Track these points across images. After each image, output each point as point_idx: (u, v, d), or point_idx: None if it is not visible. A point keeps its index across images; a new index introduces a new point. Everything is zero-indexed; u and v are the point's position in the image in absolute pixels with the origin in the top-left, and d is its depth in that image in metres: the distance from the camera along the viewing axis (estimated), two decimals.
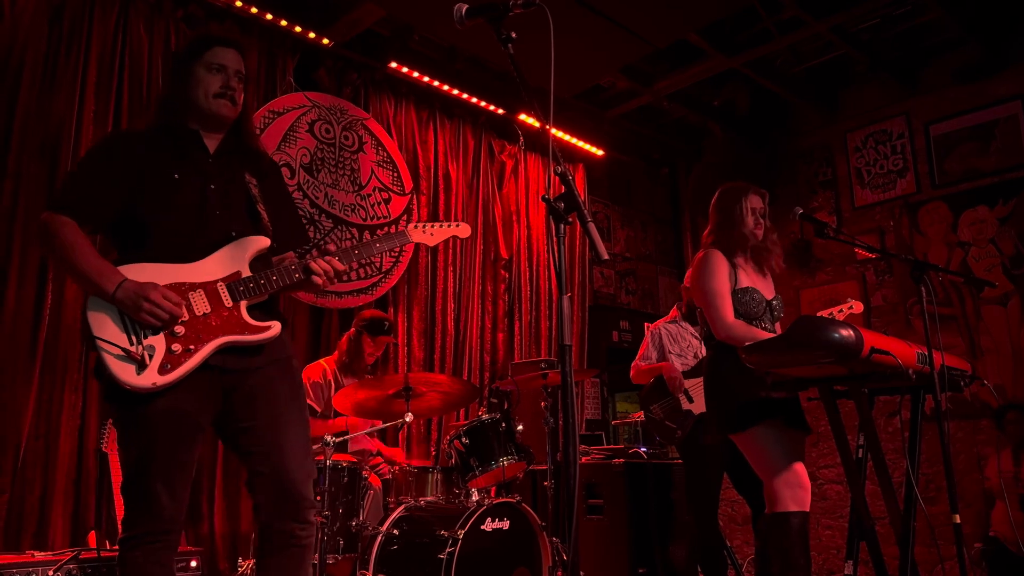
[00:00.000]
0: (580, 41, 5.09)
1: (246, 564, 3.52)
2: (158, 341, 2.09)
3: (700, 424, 4.16)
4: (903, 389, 3.06)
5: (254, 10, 4.75)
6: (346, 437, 3.70)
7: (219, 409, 2.21)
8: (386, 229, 5.36)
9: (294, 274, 2.26)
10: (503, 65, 5.63)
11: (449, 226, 2.63)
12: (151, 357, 2.06)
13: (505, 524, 3.54)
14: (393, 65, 5.35)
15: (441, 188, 5.78)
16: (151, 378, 2.07)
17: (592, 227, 1.74)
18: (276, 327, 2.24)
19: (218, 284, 2.19)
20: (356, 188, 5.25)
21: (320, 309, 5.04)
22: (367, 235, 5.25)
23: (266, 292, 2.24)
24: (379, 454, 4.47)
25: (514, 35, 1.95)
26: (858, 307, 4.37)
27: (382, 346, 4.44)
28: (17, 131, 3.96)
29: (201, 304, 2.16)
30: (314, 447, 3.94)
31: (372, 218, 5.30)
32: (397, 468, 4.07)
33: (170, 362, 2.09)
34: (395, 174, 5.49)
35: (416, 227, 2.57)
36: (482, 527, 3.44)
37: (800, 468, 3.08)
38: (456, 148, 5.95)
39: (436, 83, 5.61)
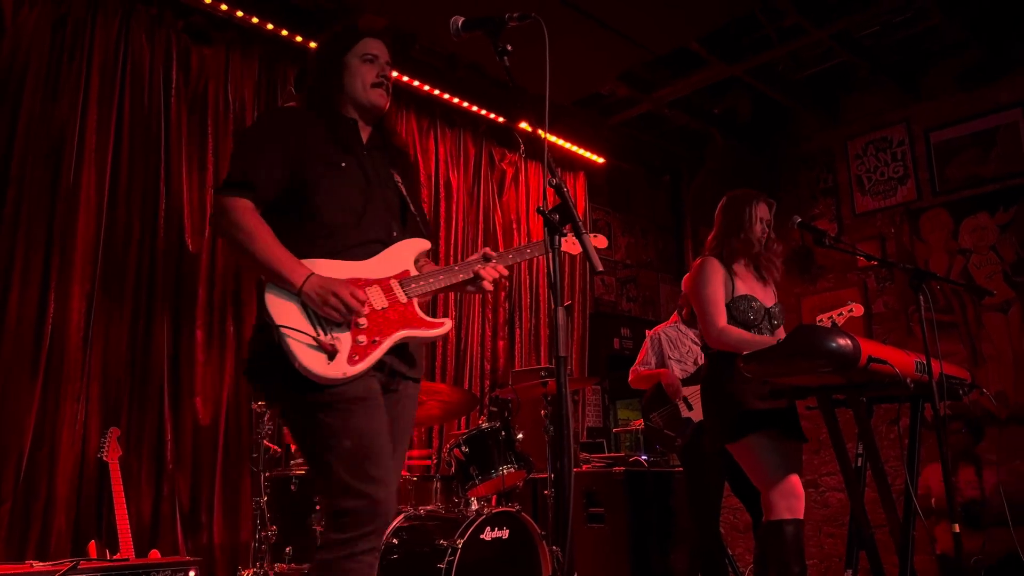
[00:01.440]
0: (580, 48, 5.11)
1: (245, 574, 3.53)
2: (343, 332, 2.10)
3: (700, 431, 4.16)
4: (902, 398, 3.06)
5: (255, 20, 4.77)
6: None
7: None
8: None
9: (458, 275, 2.30)
10: (503, 74, 5.63)
11: (595, 236, 2.67)
12: (338, 348, 2.07)
13: (504, 533, 3.54)
14: (394, 74, 5.35)
15: (442, 196, 5.80)
16: (341, 368, 2.06)
17: (587, 238, 1.75)
18: (449, 323, 2.29)
19: (391, 280, 2.23)
20: None
21: None
22: None
23: (435, 290, 2.29)
24: None
25: (510, 48, 1.95)
26: (858, 310, 4.37)
27: None
28: (20, 137, 3.98)
29: (379, 299, 2.18)
30: None
31: None
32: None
33: (357, 353, 2.10)
34: None
35: (565, 239, 2.61)
36: (481, 536, 3.44)
37: (795, 478, 3.08)
38: (457, 156, 5.96)
39: (437, 92, 5.62)
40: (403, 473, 4.32)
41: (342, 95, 2.33)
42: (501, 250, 2.41)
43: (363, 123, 2.38)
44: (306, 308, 2.08)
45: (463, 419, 5.22)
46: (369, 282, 2.19)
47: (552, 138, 6.34)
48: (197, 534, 4.32)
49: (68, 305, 4.03)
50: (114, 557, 3.46)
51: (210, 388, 4.47)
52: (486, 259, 2.33)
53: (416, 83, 5.50)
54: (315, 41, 4.98)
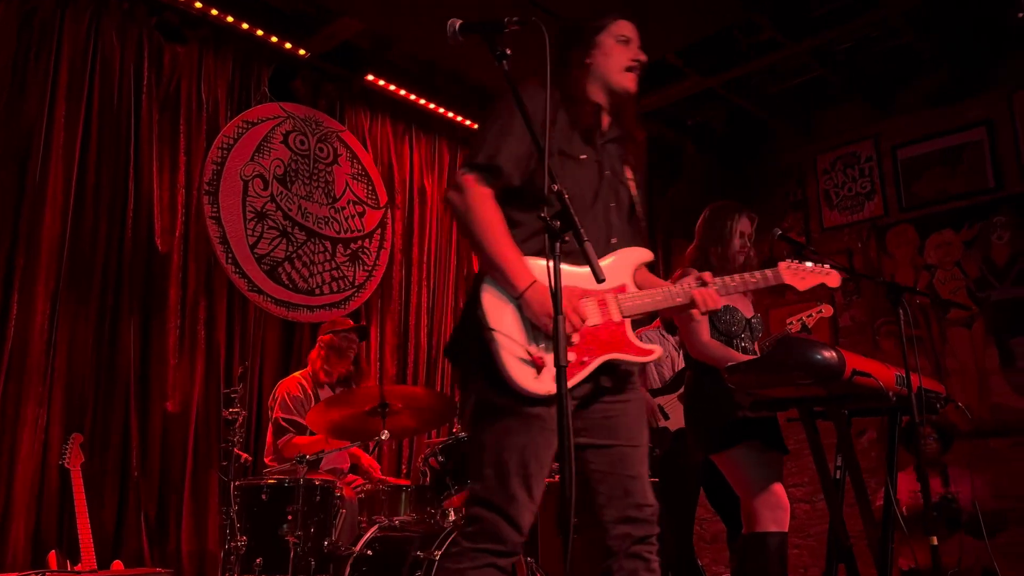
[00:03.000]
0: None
1: None
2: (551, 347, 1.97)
3: (676, 441, 4.16)
4: (881, 410, 3.09)
5: (230, 19, 4.69)
6: (325, 454, 3.63)
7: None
8: (360, 243, 5.30)
9: (675, 298, 2.16)
10: (481, 79, 5.62)
11: (821, 271, 2.48)
12: (546, 362, 1.96)
13: None
14: (370, 78, 5.32)
15: (416, 202, 5.75)
16: (547, 386, 1.96)
17: (589, 247, 1.71)
18: (659, 350, 2.15)
19: (607, 296, 2.11)
20: (330, 201, 5.20)
21: (291, 323, 4.96)
22: (340, 248, 5.19)
23: (649, 310, 2.16)
24: (353, 470, 4.39)
25: (509, 52, 1.91)
26: (827, 310, 4.36)
27: (351, 346, 4.35)
28: None
29: (593, 314, 2.06)
30: (288, 465, 3.90)
31: (346, 231, 5.24)
32: (369, 487, 4.00)
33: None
34: (370, 187, 5.44)
35: (788, 267, 2.41)
36: None
37: (779, 489, 3.09)
38: (432, 162, 5.92)
39: (413, 97, 5.58)
40: (375, 479, 4.26)
41: (591, 76, 2.21)
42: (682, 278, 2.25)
43: (607, 108, 2.26)
44: (521, 314, 1.98)
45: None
46: (587, 293, 2.07)
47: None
48: (163, 543, 4.21)
49: (32, 306, 3.92)
50: (75, 568, 3.35)
51: (180, 392, 4.37)
52: (701, 283, 2.19)
53: (392, 87, 5.45)
54: (291, 42, 4.92)
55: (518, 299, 1.97)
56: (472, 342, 2.00)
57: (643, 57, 2.24)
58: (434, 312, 5.72)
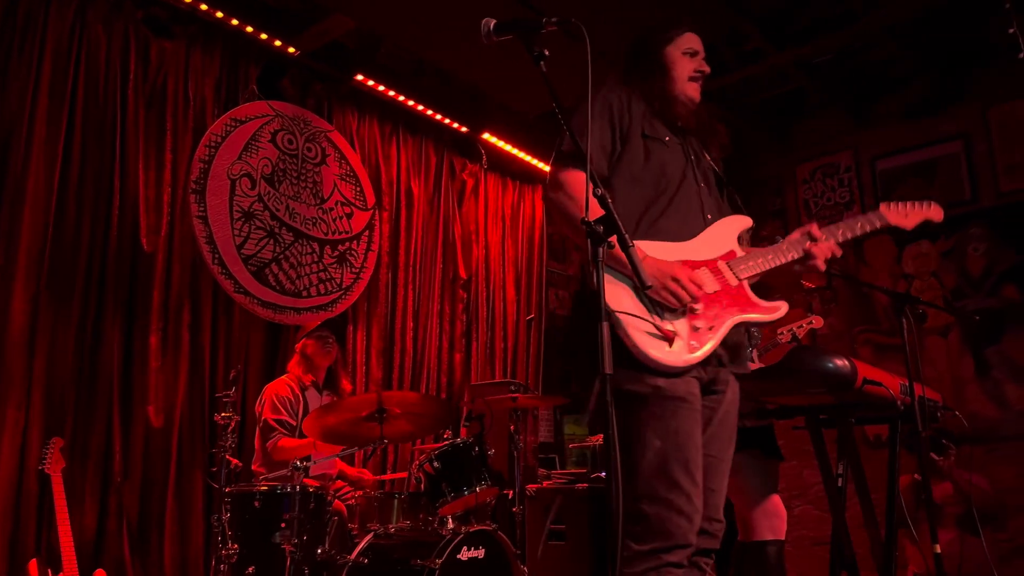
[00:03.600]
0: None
1: None
2: (678, 318, 2.00)
3: None
4: (885, 418, 3.11)
5: (219, 14, 4.59)
6: (317, 462, 3.56)
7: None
8: (348, 245, 5.22)
9: (788, 254, 2.19)
10: (471, 82, 5.58)
11: (924, 206, 2.51)
12: (677, 334, 1.95)
13: (480, 553, 3.44)
14: (359, 78, 5.24)
15: (403, 204, 5.68)
16: (682, 355, 1.96)
17: (634, 252, 1.69)
18: (785, 306, 2.15)
19: (718, 262, 2.12)
20: (318, 201, 5.11)
21: (277, 326, 4.87)
22: (328, 249, 5.11)
23: (765, 269, 2.16)
24: (341, 476, 4.32)
25: (547, 52, 1.88)
26: (818, 322, 4.40)
27: (328, 343, 4.30)
28: None
29: (710, 282, 2.07)
30: (283, 471, 3.81)
31: (333, 232, 5.16)
32: (360, 493, 3.93)
33: (695, 339, 1.99)
34: (358, 188, 5.37)
35: (890, 208, 2.45)
36: (458, 556, 3.33)
37: (776, 498, 3.11)
38: (418, 164, 5.86)
39: (401, 98, 5.52)
40: (367, 486, 4.19)
41: (661, 82, 2.29)
42: (821, 226, 2.28)
43: (677, 111, 2.31)
44: (639, 292, 1.99)
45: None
46: (696, 264, 2.09)
47: (515, 151, 6.30)
48: (145, 552, 4.09)
49: (10, 307, 3.78)
50: None
51: (163, 396, 4.26)
52: (812, 237, 2.22)
53: (381, 88, 5.38)
54: (280, 39, 4.84)
55: (630, 276, 1.96)
56: (591, 334, 1.93)
57: (707, 69, 2.33)
58: (419, 316, 5.66)
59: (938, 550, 2.83)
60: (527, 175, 6.65)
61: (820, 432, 3.02)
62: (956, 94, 6.28)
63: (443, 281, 5.90)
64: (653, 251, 2.03)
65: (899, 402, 2.76)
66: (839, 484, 3.13)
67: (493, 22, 1.94)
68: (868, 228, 2.36)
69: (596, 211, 1.74)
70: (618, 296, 1.98)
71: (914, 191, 6.53)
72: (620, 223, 1.70)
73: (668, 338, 1.95)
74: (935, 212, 2.51)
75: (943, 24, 5.63)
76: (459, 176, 6.21)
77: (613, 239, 1.69)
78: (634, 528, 1.91)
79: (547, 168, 6.40)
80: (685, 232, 2.14)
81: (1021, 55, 4.11)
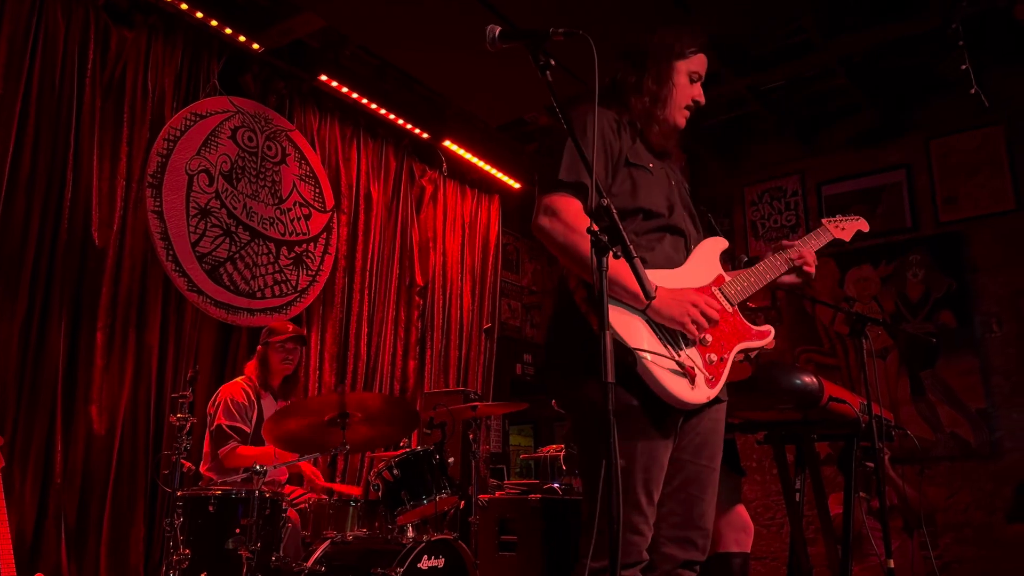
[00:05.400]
0: (516, 74, 5.10)
1: None
2: (691, 350, 1.94)
3: None
4: (841, 435, 3.20)
5: (183, 6, 4.48)
6: (277, 467, 3.48)
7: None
8: (305, 247, 5.14)
9: (778, 268, 2.18)
10: (434, 85, 5.56)
11: (855, 220, 2.58)
12: (697, 368, 1.90)
13: (440, 562, 3.41)
14: (323, 78, 5.18)
15: (361, 208, 5.62)
16: (705, 392, 1.93)
17: (638, 263, 1.69)
18: (772, 330, 2.14)
19: (711, 288, 2.08)
20: (276, 201, 5.02)
21: (229, 326, 4.75)
22: (284, 250, 5.01)
23: (754, 291, 2.15)
24: (291, 481, 4.23)
25: (553, 62, 1.88)
26: (770, 343, 4.51)
27: (292, 354, 4.20)
28: None
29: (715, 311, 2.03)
30: (234, 477, 3.72)
31: (291, 234, 5.07)
32: (315, 500, 3.85)
33: (711, 372, 1.95)
34: (317, 190, 5.29)
35: (831, 223, 2.53)
36: (419, 565, 3.29)
37: (742, 510, 3.16)
38: (378, 168, 5.81)
39: (364, 100, 5.46)
40: (317, 487, 4.11)
41: (654, 103, 2.17)
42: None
43: (660, 131, 2.23)
44: (652, 324, 1.93)
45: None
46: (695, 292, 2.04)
47: (475, 159, 6.30)
48: (82, 557, 3.93)
49: None
50: None
51: (107, 397, 4.11)
52: (782, 249, 2.25)
53: (344, 89, 5.32)
54: (244, 35, 4.75)
55: (645, 309, 1.93)
56: (579, 353, 1.95)
57: (702, 100, 2.25)
58: (374, 322, 5.59)
59: (891, 565, 2.92)
60: (486, 184, 6.66)
61: (783, 447, 3.09)
62: (902, 125, 6.53)
63: (399, 287, 5.85)
64: (656, 278, 2.00)
65: (861, 420, 2.83)
66: (796, 499, 3.20)
67: (499, 29, 1.92)
68: (820, 244, 2.46)
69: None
70: (635, 330, 1.92)
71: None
72: (625, 234, 1.71)
73: (690, 375, 1.93)
74: (863, 224, 2.63)
75: (894, 57, 5.86)
76: (418, 182, 6.17)
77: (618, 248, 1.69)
78: (591, 544, 1.89)
79: (505, 178, 6.41)
80: (676, 259, 2.12)
81: (973, 90, 4.33)
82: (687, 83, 2.21)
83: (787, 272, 2.25)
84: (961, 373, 6.08)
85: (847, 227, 2.58)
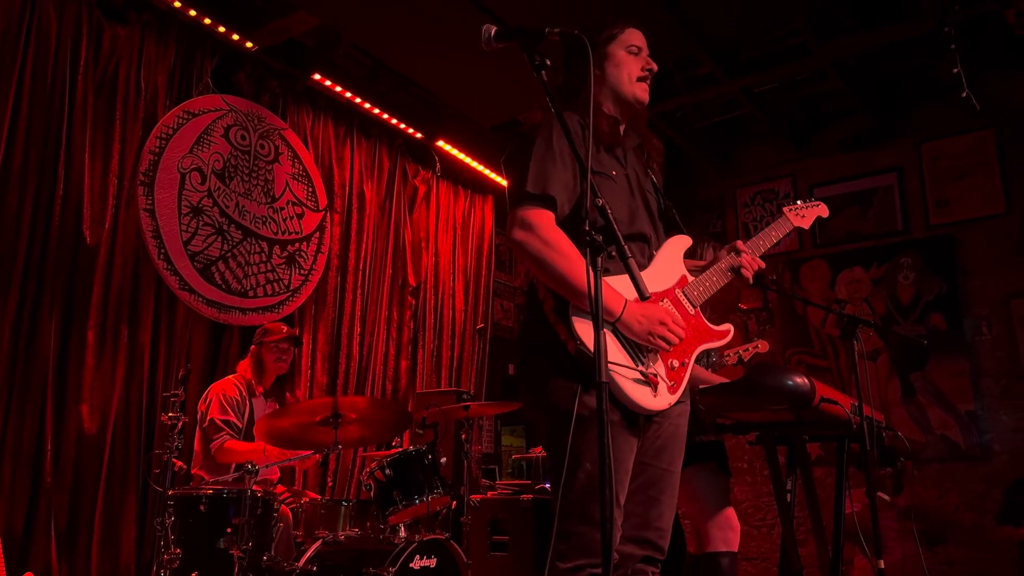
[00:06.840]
0: (509, 76, 5.11)
1: None
2: (654, 358, 1.99)
3: None
4: (833, 436, 3.21)
5: (177, 4, 4.47)
6: (268, 467, 3.47)
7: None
8: (297, 246, 5.13)
9: (727, 273, 2.21)
10: (428, 85, 5.56)
11: (814, 205, 2.61)
12: (659, 377, 1.96)
13: (432, 562, 3.40)
14: (316, 77, 5.17)
15: (354, 207, 5.61)
16: (667, 399, 1.98)
17: (632, 263, 1.70)
18: (731, 327, 2.17)
19: (674, 290, 2.12)
20: (269, 200, 5.01)
21: (220, 325, 4.73)
22: (276, 250, 5.00)
23: (713, 292, 2.17)
24: (281, 482, 4.22)
25: (548, 62, 1.88)
26: (764, 346, 4.51)
27: (286, 354, 4.21)
28: None
29: (678, 316, 2.06)
30: (233, 475, 3.70)
31: (283, 233, 5.06)
32: (306, 499, 3.84)
33: (673, 379, 2.00)
34: (310, 189, 5.28)
35: (791, 211, 2.55)
36: (411, 566, 3.29)
37: (730, 511, 3.17)
38: (371, 168, 5.80)
39: (358, 100, 5.46)
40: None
41: (603, 87, 2.19)
42: (745, 241, 2.32)
43: (621, 119, 2.24)
44: (618, 335, 1.96)
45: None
46: (659, 295, 2.09)
47: (469, 160, 6.29)
48: (73, 556, 3.91)
49: None
50: None
51: (98, 395, 4.09)
52: (737, 252, 2.25)
53: (337, 88, 5.32)
54: (237, 33, 4.74)
55: (615, 323, 1.95)
56: (545, 361, 1.99)
57: (654, 67, 2.24)
58: (366, 321, 5.59)
59: (881, 565, 2.93)
60: (479, 185, 6.66)
61: (775, 448, 3.10)
62: (894, 129, 6.56)
63: (392, 287, 5.84)
64: (617, 286, 2.00)
65: (853, 421, 2.85)
66: (788, 500, 3.21)
67: (494, 28, 1.92)
68: (781, 234, 2.49)
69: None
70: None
71: (850, 220, 6.78)
72: (620, 235, 1.71)
73: (653, 383, 1.98)
74: (822, 209, 2.65)
75: (887, 61, 5.89)
76: (411, 182, 6.17)
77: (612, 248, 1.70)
78: (559, 546, 1.93)
79: (499, 179, 6.41)
80: (641, 264, 2.12)
81: (964, 94, 4.36)
82: (628, 56, 2.22)
83: (734, 279, 2.27)
84: (951, 375, 6.12)
85: (807, 214, 2.61)
